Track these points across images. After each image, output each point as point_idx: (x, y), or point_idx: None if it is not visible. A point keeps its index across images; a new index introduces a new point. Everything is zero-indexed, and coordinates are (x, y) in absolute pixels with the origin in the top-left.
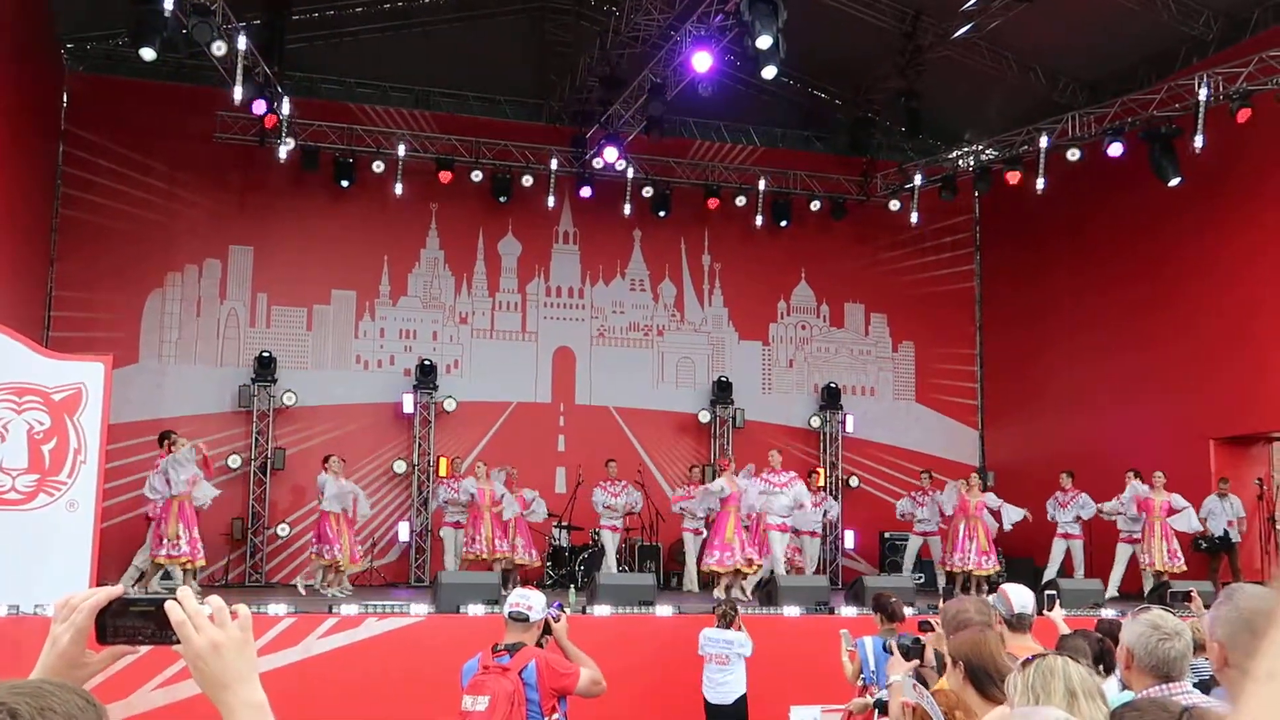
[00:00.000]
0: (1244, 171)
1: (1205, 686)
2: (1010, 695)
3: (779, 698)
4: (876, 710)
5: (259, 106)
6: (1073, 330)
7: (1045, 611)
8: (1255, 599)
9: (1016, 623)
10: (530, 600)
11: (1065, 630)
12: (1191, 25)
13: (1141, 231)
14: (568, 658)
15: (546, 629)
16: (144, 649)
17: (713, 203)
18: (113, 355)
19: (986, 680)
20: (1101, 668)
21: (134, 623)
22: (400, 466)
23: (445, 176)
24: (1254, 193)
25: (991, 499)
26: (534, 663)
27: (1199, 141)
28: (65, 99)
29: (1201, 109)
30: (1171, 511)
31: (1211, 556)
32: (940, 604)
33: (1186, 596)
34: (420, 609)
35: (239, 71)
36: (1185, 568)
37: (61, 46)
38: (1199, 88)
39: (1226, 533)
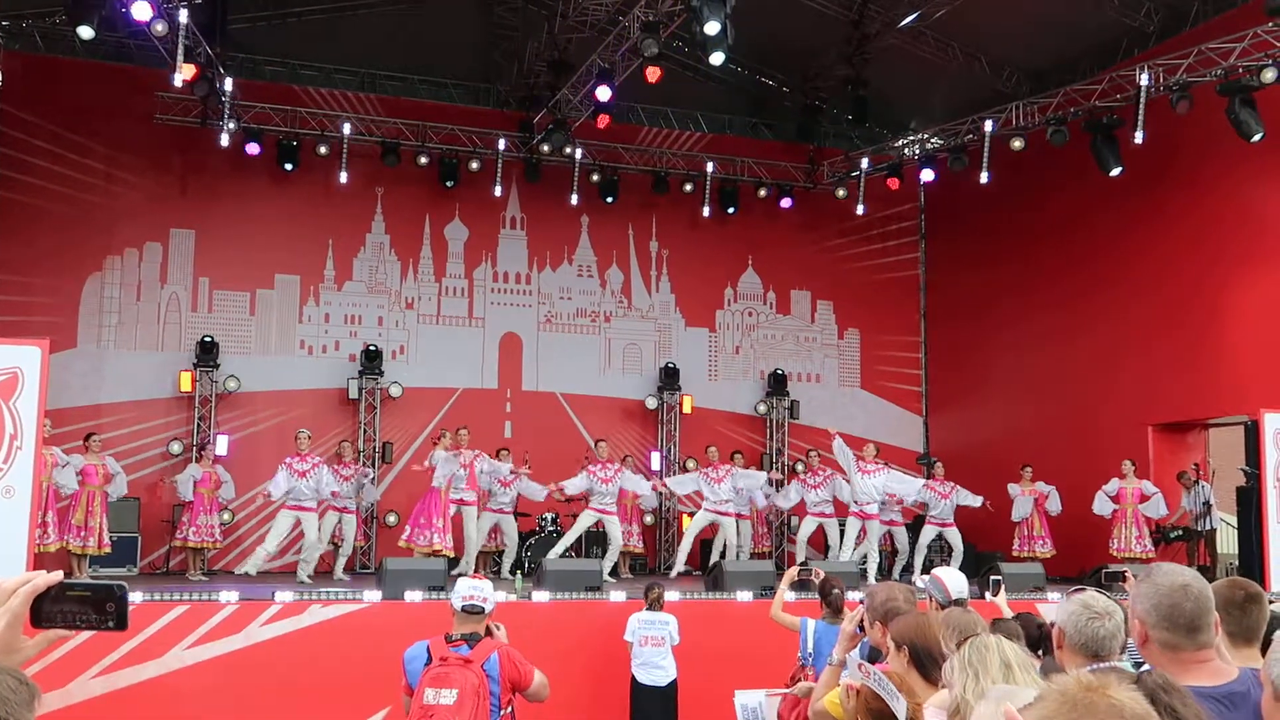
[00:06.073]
0: (1182, 162)
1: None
2: (948, 676)
3: (723, 682)
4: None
5: (201, 88)
6: (1015, 318)
7: (990, 596)
8: (1171, 575)
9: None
10: (483, 591)
11: (1009, 615)
12: (1133, 17)
13: (1082, 220)
14: None
15: (487, 630)
16: (81, 634)
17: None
18: (50, 339)
19: (930, 664)
20: (1041, 652)
21: (71, 608)
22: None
23: (391, 160)
24: (1192, 182)
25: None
26: (496, 654)
27: (1139, 132)
28: (0, 78)
29: (1142, 100)
30: (1143, 498)
31: (1187, 544)
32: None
33: (1121, 577)
34: (366, 595)
35: (179, 52)
36: (1154, 553)
37: None
38: (1140, 78)
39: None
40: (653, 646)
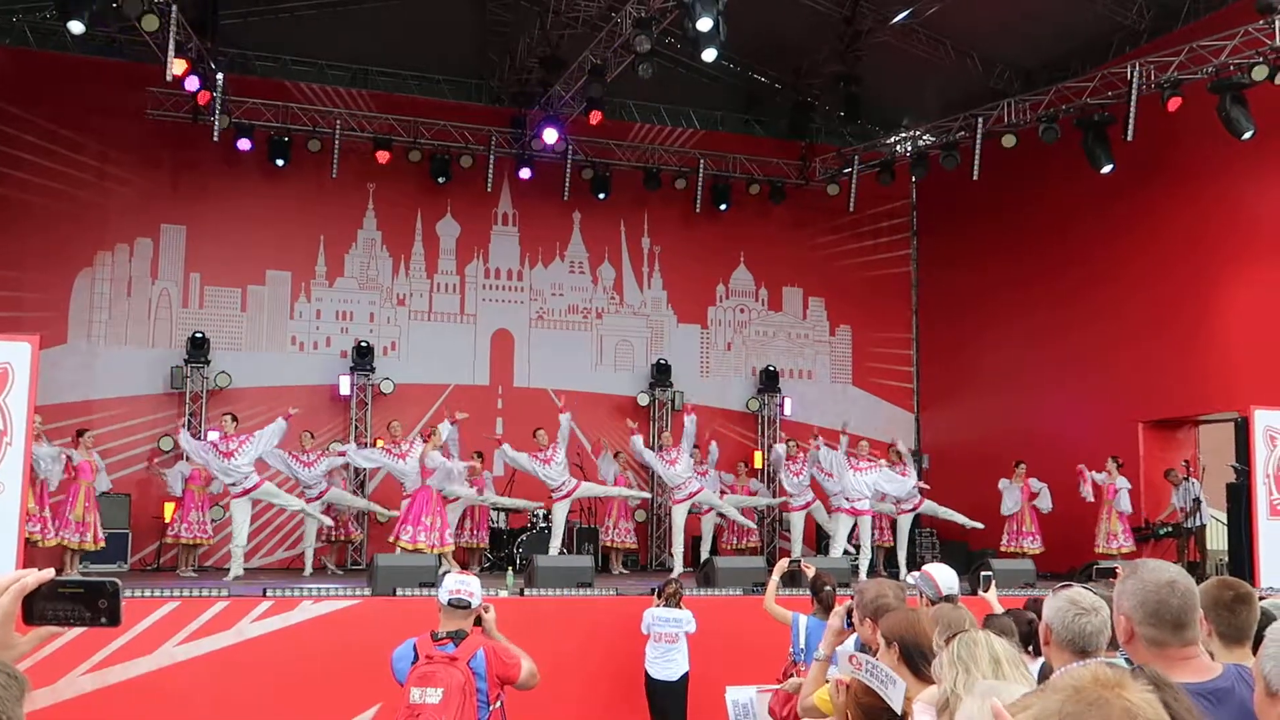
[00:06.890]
0: (1173, 159)
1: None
2: (937, 672)
3: (714, 678)
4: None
5: (192, 83)
6: (1006, 314)
7: (981, 592)
8: (1157, 572)
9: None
10: (470, 586)
11: (999, 610)
12: (1125, 14)
13: (1074, 218)
14: None
15: (476, 620)
16: (73, 631)
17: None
18: (40, 335)
19: (921, 660)
20: (1031, 648)
21: (63, 605)
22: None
23: (383, 156)
24: (1183, 180)
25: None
26: (482, 651)
27: (1130, 129)
28: None
29: (1133, 97)
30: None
31: (1177, 540)
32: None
33: (1112, 573)
34: (358, 591)
35: (171, 47)
36: (1133, 548)
37: None
38: (1131, 76)
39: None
40: (666, 643)
